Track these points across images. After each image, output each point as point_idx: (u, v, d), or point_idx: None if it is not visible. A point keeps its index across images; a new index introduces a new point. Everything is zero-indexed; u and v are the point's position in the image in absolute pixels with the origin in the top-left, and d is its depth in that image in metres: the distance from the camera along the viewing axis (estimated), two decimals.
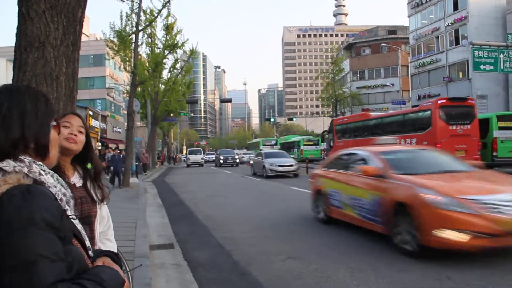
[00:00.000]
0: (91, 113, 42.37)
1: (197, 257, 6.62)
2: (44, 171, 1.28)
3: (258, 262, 6.24)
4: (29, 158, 1.26)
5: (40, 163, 1.29)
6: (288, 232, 8.40)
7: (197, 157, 49.96)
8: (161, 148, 61.23)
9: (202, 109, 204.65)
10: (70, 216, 1.30)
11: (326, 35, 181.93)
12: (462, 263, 5.69)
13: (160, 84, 35.65)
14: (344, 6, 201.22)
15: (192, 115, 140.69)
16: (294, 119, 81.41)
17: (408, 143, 20.55)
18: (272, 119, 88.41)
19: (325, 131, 40.11)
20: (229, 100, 51.61)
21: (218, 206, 13.08)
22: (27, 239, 1.09)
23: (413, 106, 46.52)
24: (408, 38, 56.31)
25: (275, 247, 7.12)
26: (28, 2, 3.76)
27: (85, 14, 4.19)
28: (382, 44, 60.96)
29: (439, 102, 20.96)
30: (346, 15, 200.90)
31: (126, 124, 24.68)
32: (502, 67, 26.00)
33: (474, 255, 5.83)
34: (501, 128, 20.96)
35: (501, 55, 25.87)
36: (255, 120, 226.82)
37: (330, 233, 8.14)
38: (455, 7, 45.58)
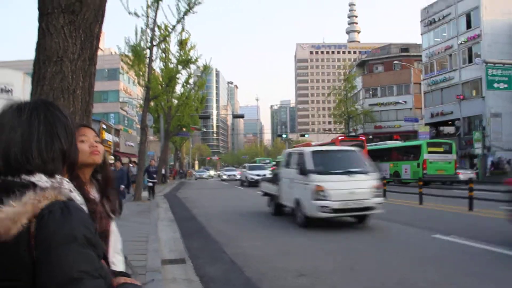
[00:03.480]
0: (104, 126, 42.76)
1: (209, 272, 6.59)
2: (71, 187, 1.27)
3: (270, 278, 6.19)
4: (59, 174, 1.26)
5: (67, 180, 1.28)
6: (298, 248, 8.34)
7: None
8: (173, 163, 61.45)
9: (215, 124, 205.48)
10: None
11: (338, 52, 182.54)
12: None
13: (173, 99, 35.89)
14: (357, 23, 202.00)
15: (205, 130, 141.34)
16: (307, 135, 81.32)
17: None
18: (284, 135, 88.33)
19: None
20: (242, 116, 51.84)
21: (229, 221, 13.05)
22: (70, 256, 1.08)
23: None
24: (420, 55, 56.25)
25: (286, 264, 7.07)
26: (48, 18, 3.84)
27: (101, 29, 4.26)
28: (395, 62, 60.95)
29: (340, 138, 34.23)
30: (359, 32, 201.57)
31: (138, 138, 24.83)
32: None
33: None
34: (429, 152, 30.41)
35: None
36: (267, 136, 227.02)
37: (341, 246, 8.08)
38: (468, 25, 45.53)
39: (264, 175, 29.53)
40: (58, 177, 1.24)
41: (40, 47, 3.88)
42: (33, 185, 1.18)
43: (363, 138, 35.82)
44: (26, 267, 1.09)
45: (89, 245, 1.12)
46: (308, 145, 38.05)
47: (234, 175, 48.73)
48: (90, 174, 2.14)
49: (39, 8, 3.93)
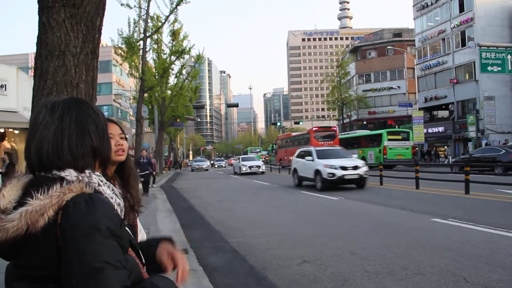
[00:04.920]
0: None
1: (212, 262, 6.64)
2: (102, 181, 1.33)
3: (273, 266, 6.25)
4: (89, 169, 1.30)
5: (98, 173, 1.34)
6: (299, 235, 8.41)
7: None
8: (167, 154, 61.39)
9: (208, 114, 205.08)
10: (126, 225, 1.35)
11: (331, 39, 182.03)
12: None
13: (167, 90, 35.80)
14: (348, 9, 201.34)
15: (199, 120, 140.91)
16: (301, 122, 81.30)
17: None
18: (278, 123, 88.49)
19: (273, 143, 63.64)
20: (236, 105, 51.77)
21: (228, 211, 13.13)
22: (93, 246, 1.12)
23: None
24: (413, 40, 56.28)
25: (288, 251, 7.13)
26: (49, 12, 3.81)
27: (103, 22, 4.24)
28: (388, 47, 60.90)
29: (314, 129, 40.70)
30: (351, 18, 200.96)
31: (133, 130, 24.78)
32: (510, 68, 25.92)
33: None
34: (389, 140, 35.91)
35: (509, 56, 25.82)
36: (261, 125, 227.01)
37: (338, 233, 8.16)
38: (461, 8, 45.52)
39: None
40: (87, 172, 1.29)
41: (42, 41, 3.86)
42: (63, 180, 1.24)
43: (335, 128, 42.69)
44: (52, 256, 1.14)
45: (112, 236, 1.16)
46: (289, 135, 51.87)
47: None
48: (114, 169, 2.15)
49: (39, 2, 3.89)
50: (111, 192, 1.34)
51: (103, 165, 1.41)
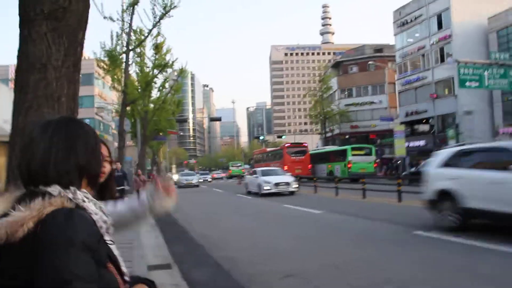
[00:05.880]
0: None
1: (196, 277, 6.58)
2: (87, 198, 1.37)
3: (258, 280, 6.22)
4: (74, 186, 1.34)
5: (84, 190, 1.38)
6: (279, 247, 8.39)
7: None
8: (150, 167, 60.95)
9: (191, 127, 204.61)
10: (109, 241, 1.37)
11: (313, 54, 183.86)
12: None
13: (149, 103, 35.59)
14: (330, 25, 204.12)
15: (181, 133, 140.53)
16: (284, 136, 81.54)
17: (273, 166, 37.96)
18: (261, 137, 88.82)
19: (251, 158, 68.06)
20: (219, 119, 51.71)
21: (212, 225, 13.06)
22: (66, 259, 1.15)
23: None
24: (394, 56, 57.10)
25: (273, 265, 7.10)
26: (30, 24, 3.78)
27: (85, 35, 4.21)
28: (369, 62, 61.72)
29: (286, 145, 44.94)
30: (333, 34, 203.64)
31: (115, 143, 24.57)
32: (487, 84, 26.42)
33: None
34: (353, 155, 39.52)
35: (486, 72, 26.29)
36: (244, 138, 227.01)
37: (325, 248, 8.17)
38: (440, 26, 46.51)
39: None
40: (72, 188, 1.33)
41: (23, 54, 3.81)
42: (46, 194, 1.28)
43: (306, 144, 46.31)
44: (28, 267, 1.17)
45: (87, 251, 1.19)
46: (264, 150, 56.21)
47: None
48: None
49: (20, 15, 3.84)
50: (96, 209, 1.37)
51: (93, 182, 1.45)
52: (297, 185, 24.87)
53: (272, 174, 25.56)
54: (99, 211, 1.38)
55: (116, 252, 1.42)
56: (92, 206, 1.36)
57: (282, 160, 42.73)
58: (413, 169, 34.80)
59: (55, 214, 1.21)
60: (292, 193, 24.04)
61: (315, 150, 50.75)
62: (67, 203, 1.26)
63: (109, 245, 1.37)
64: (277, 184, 23.78)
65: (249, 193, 26.56)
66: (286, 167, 38.34)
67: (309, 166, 42.93)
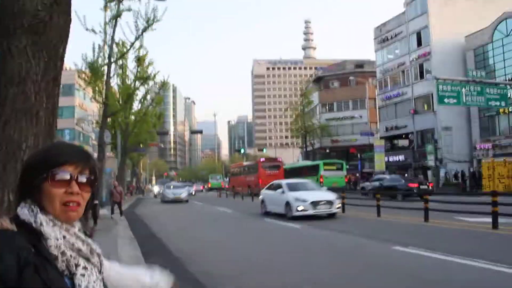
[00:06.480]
0: None
1: None
2: (51, 221, 1.24)
3: None
4: (37, 209, 1.24)
5: (50, 214, 1.25)
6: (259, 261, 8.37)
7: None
8: (130, 179, 60.40)
9: (172, 140, 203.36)
10: (80, 272, 1.23)
11: (295, 68, 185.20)
12: None
13: (130, 115, 35.41)
14: (312, 40, 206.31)
15: (162, 146, 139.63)
16: (265, 150, 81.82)
17: (249, 179, 46.06)
18: (242, 150, 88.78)
19: (228, 172, 72.59)
20: (200, 132, 51.77)
21: (190, 239, 12.97)
22: None
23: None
24: (375, 71, 57.94)
25: (252, 280, 7.09)
26: (10, 39, 3.75)
27: (66, 50, 4.19)
28: (350, 78, 62.57)
29: (261, 160, 47.98)
30: (315, 49, 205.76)
31: (95, 154, 24.29)
32: (464, 101, 26.92)
33: None
34: (325, 170, 41.55)
35: (463, 89, 26.79)
36: (225, 151, 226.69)
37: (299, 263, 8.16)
38: (419, 43, 47.46)
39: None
40: (35, 210, 1.25)
41: (1, 67, 3.79)
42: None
43: (280, 159, 49.51)
44: None
45: None
46: (241, 164, 59.49)
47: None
48: None
49: (0, 29, 3.82)
50: (57, 234, 1.22)
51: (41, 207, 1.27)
52: (340, 204, 18.51)
53: (301, 188, 18.73)
54: (72, 237, 1.26)
55: (91, 284, 1.24)
56: (54, 230, 1.22)
57: (257, 174, 44.49)
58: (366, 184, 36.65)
59: None
60: (332, 215, 17.43)
61: (289, 165, 53.07)
62: (7, 224, 1.17)
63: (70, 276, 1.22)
64: (315, 204, 16.91)
65: (268, 213, 19.65)
66: (260, 181, 40.37)
67: None
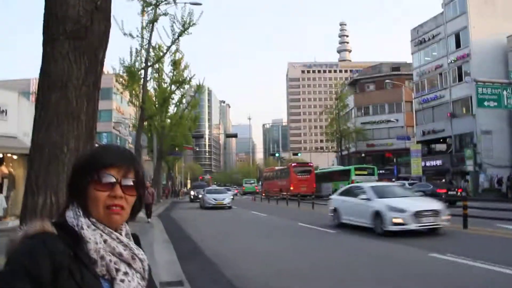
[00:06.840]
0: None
1: None
2: (93, 225, 1.24)
3: None
4: (80, 212, 1.25)
5: (93, 218, 1.25)
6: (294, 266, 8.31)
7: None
8: (165, 182, 61.23)
9: (207, 143, 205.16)
10: (119, 278, 1.22)
11: (330, 71, 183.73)
12: None
13: (166, 119, 35.97)
14: (348, 43, 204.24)
15: (197, 149, 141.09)
16: (299, 154, 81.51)
17: (281, 183, 47.69)
18: (276, 154, 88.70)
19: (261, 176, 75.04)
20: (235, 135, 51.97)
21: (225, 242, 13.02)
22: None
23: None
24: (411, 74, 56.88)
25: (285, 285, 7.06)
26: (53, 43, 3.86)
27: (105, 55, 4.28)
28: (386, 81, 61.54)
29: (293, 164, 50.38)
30: (350, 51, 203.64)
31: None
32: (506, 104, 26.14)
33: None
34: (357, 174, 41.78)
35: (505, 92, 26.06)
36: (260, 155, 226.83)
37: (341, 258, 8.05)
38: (458, 44, 46.23)
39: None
40: (76, 215, 1.28)
41: (45, 72, 3.89)
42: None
43: (312, 164, 52.30)
44: None
45: (26, 277, 1.07)
46: (273, 169, 61.92)
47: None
48: None
49: (44, 33, 3.92)
50: (97, 238, 1.22)
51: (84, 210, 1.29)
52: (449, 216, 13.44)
53: (390, 193, 14.55)
54: (113, 241, 1.25)
55: None
56: (94, 234, 1.22)
57: (289, 178, 45.88)
58: None
59: (14, 237, 1.17)
60: (434, 230, 13.25)
61: (320, 169, 54.96)
62: (47, 227, 1.18)
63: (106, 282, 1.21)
64: (418, 215, 12.58)
65: (341, 225, 15.70)
66: (292, 185, 42.20)
67: (314, 185, 45.87)
